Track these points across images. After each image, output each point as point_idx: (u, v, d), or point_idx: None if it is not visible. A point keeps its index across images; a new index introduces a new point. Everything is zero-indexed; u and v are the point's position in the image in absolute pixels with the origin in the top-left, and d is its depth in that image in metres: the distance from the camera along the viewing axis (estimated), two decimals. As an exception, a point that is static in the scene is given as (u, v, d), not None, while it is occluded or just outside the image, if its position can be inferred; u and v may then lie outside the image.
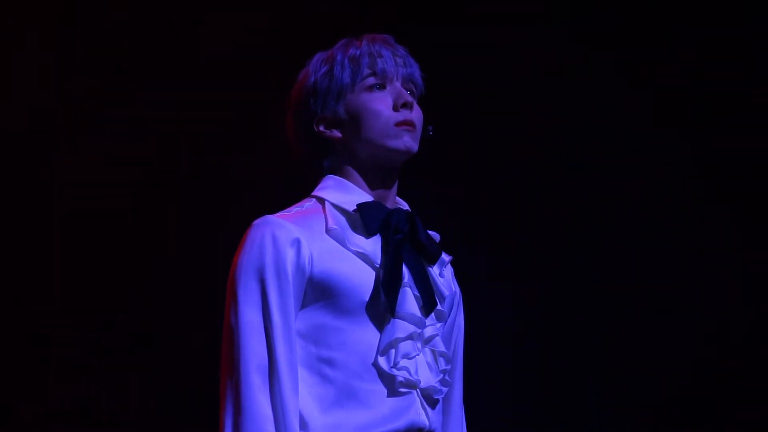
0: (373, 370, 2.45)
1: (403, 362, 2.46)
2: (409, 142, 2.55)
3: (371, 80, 2.56)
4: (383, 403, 2.44)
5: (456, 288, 2.68)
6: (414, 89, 2.61)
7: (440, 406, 2.54)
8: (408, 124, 2.55)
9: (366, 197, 2.56)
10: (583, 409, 4.21)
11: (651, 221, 4.21)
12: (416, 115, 2.58)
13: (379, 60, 2.57)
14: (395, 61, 2.58)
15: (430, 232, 2.62)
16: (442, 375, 2.53)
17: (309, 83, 2.60)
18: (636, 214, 4.21)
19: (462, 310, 2.70)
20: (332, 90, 2.57)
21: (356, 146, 2.57)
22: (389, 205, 2.59)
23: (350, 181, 2.58)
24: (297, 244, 2.46)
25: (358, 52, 2.57)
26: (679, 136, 4.20)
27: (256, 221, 2.51)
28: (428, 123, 2.61)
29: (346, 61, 2.57)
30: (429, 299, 2.52)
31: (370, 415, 2.43)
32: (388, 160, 2.57)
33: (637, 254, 4.21)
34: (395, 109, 2.55)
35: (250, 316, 2.42)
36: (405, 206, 2.63)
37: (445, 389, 2.54)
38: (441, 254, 2.60)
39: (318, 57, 2.62)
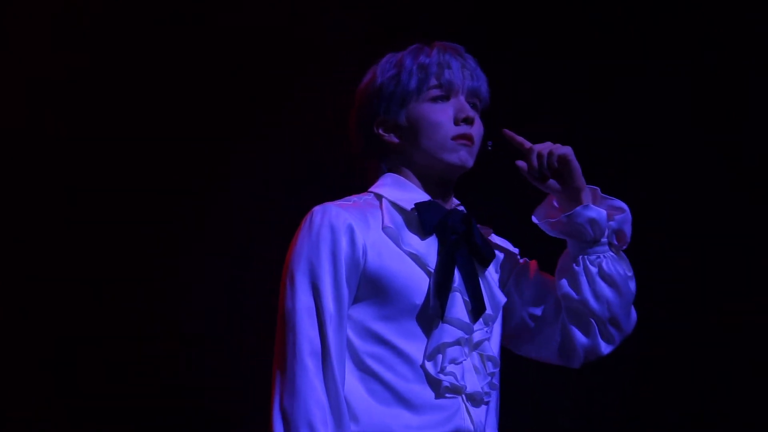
0: (420, 373, 2.46)
1: (450, 367, 2.47)
2: (464, 156, 2.57)
3: (436, 92, 2.56)
4: (429, 407, 2.45)
5: (513, 249, 2.72)
6: (478, 103, 2.61)
7: (487, 407, 2.55)
8: (466, 138, 2.56)
9: (424, 196, 2.56)
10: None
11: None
12: (476, 130, 2.58)
13: (446, 71, 2.57)
14: (463, 74, 2.58)
15: (481, 227, 2.63)
16: (489, 378, 2.53)
17: (375, 84, 2.60)
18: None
19: (523, 265, 2.72)
20: (397, 95, 2.57)
21: (413, 154, 2.58)
22: (447, 206, 2.60)
23: (409, 176, 2.59)
24: (352, 233, 2.47)
25: (427, 61, 2.57)
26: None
27: (315, 208, 2.51)
28: (488, 138, 2.61)
29: (414, 68, 2.57)
30: (478, 304, 2.52)
31: (417, 418, 2.44)
32: (442, 172, 2.58)
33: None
34: (456, 122, 2.56)
35: (305, 301, 2.43)
36: (461, 207, 2.64)
37: (493, 392, 2.54)
38: (494, 257, 2.61)
39: (387, 59, 2.62)
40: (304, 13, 4.16)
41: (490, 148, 2.61)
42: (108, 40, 4.09)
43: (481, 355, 2.53)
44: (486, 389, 2.52)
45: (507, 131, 2.57)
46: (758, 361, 4.15)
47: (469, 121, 2.56)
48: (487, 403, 2.53)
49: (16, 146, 4.05)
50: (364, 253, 2.47)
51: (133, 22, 4.09)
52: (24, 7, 4.04)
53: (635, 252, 4.18)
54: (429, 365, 2.46)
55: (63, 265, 4.06)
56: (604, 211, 2.57)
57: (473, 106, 2.59)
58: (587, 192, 2.58)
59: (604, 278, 2.59)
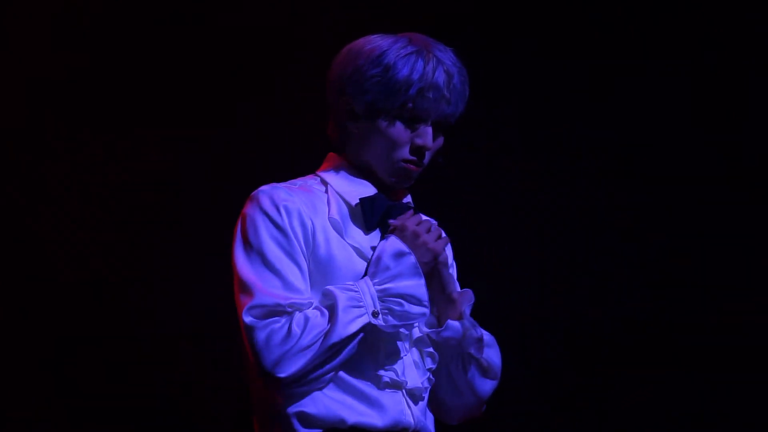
0: (361, 368, 2.45)
1: (389, 363, 2.47)
2: (403, 182, 2.55)
3: (408, 114, 2.50)
4: (371, 401, 2.44)
5: (451, 258, 2.68)
6: (448, 122, 2.55)
7: (426, 403, 2.54)
8: (415, 164, 2.53)
9: (370, 189, 2.55)
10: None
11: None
12: (429, 154, 2.55)
13: (426, 95, 2.49)
14: (442, 100, 2.50)
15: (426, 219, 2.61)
16: (428, 374, 2.53)
17: (359, 73, 2.52)
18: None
19: (455, 272, 2.70)
20: (370, 99, 2.51)
21: (361, 150, 2.56)
22: (392, 197, 2.58)
23: (355, 168, 2.56)
24: (301, 216, 2.46)
25: (415, 77, 2.48)
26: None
27: (263, 188, 2.50)
28: (441, 154, 2.59)
29: (397, 83, 2.48)
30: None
31: (361, 406, 2.43)
32: (380, 180, 2.56)
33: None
34: (411, 148, 2.52)
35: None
36: (408, 198, 2.62)
37: (429, 387, 2.54)
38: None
39: (379, 48, 2.51)
40: (304, 13, 4.15)
41: (441, 161, 2.60)
42: (108, 40, 4.08)
43: (420, 351, 2.53)
44: (425, 384, 2.51)
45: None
46: (758, 361, 4.15)
47: (426, 149, 2.52)
48: (423, 399, 2.52)
49: (16, 146, 4.05)
50: (313, 236, 2.45)
51: (133, 22, 4.09)
52: (24, 7, 4.04)
53: (636, 252, 4.20)
54: (369, 360, 2.45)
55: (63, 265, 4.05)
56: (458, 329, 2.54)
57: (440, 125, 2.54)
58: (455, 306, 2.56)
59: (449, 376, 2.58)
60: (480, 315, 2.68)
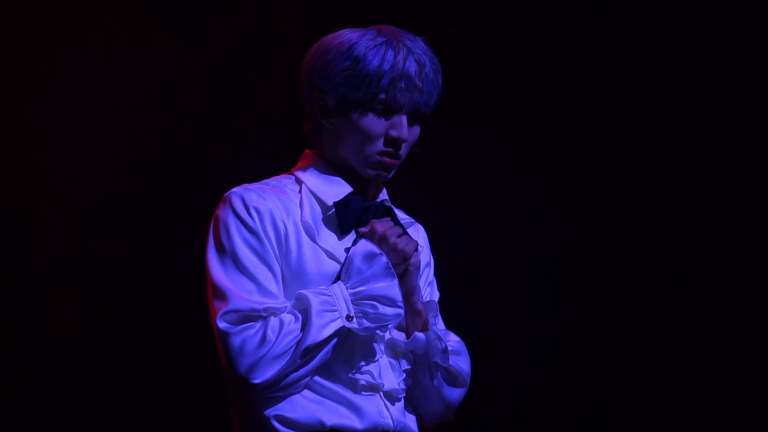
0: (337, 372, 2.45)
1: (365, 366, 2.46)
2: (381, 174, 2.53)
3: (380, 106, 2.48)
4: (347, 403, 2.44)
5: (429, 255, 2.68)
6: (423, 111, 2.53)
7: (403, 403, 2.54)
8: (391, 157, 2.51)
9: (345, 188, 2.53)
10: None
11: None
12: (406, 145, 2.53)
13: (398, 85, 2.47)
14: (414, 90, 2.48)
15: (403, 219, 2.60)
16: (404, 375, 2.52)
17: (330, 67, 2.50)
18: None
19: (432, 270, 2.69)
20: (341, 93, 2.49)
21: (337, 145, 2.54)
22: (370, 195, 2.56)
23: (331, 164, 2.54)
24: (273, 219, 2.44)
25: (386, 67, 2.46)
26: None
27: (234, 190, 2.49)
28: (418, 145, 2.58)
29: (368, 75, 2.46)
30: None
31: (336, 411, 2.43)
32: (359, 175, 2.55)
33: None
34: (385, 140, 2.50)
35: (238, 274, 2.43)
36: (385, 197, 2.60)
37: (406, 387, 2.53)
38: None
39: (348, 41, 2.50)
40: (304, 13, 4.16)
41: (417, 152, 2.59)
42: (108, 39, 4.09)
43: (395, 352, 2.52)
44: (402, 386, 2.51)
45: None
46: (758, 360, 4.16)
47: (401, 141, 2.50)
48: (400, 400, 2.51)
49: (16, 146, 4.05)
50: (286, 239, 2.44)
51: (133, 22, 4.09)
52: (24, 7, 4.04)
53: (636, 251, 4.21)
54: (344, 363, 2.45)
55: (64, 264, 4.06)
56: (423, 339, 2.53)
57: (414, 116, 2.52)
58: (420, 315, 2.55)
59: (418, 383, 2.57)
60: (480, 315, 2.68)
